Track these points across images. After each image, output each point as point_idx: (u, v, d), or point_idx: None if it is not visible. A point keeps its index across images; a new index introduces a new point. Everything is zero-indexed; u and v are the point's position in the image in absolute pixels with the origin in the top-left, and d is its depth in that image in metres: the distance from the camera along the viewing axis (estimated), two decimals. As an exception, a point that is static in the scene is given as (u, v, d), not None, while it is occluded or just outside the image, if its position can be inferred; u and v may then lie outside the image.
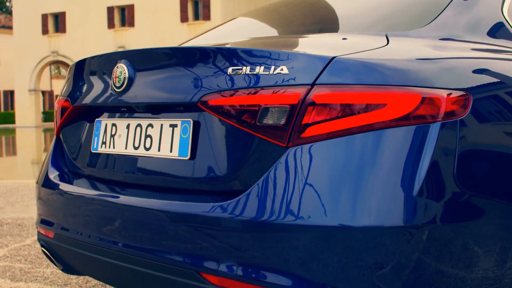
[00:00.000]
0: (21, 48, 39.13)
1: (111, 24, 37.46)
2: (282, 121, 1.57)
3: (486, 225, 1.64)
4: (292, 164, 1.55)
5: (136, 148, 1.92)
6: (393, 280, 1.50)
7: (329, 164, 1.53)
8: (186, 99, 1.73)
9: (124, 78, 1.88)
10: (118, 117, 2.02)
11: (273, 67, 1.60)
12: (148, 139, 1.88)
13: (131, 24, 36.89)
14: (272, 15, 2.73)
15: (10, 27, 47.89)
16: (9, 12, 60.51)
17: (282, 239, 1.52)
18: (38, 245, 4.13)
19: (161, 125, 1.85)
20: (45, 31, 39.25)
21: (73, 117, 2.25)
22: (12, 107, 50.09)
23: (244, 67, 1.63)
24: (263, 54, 1.63)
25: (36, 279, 3.35)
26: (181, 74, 1.76)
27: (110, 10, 37.48)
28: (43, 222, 2.26)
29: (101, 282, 3.20)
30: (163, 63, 1.83)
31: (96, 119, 2.12)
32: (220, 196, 1.68)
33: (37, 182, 2.37)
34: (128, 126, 1.97)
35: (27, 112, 38.87)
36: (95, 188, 2.07)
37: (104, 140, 2.06)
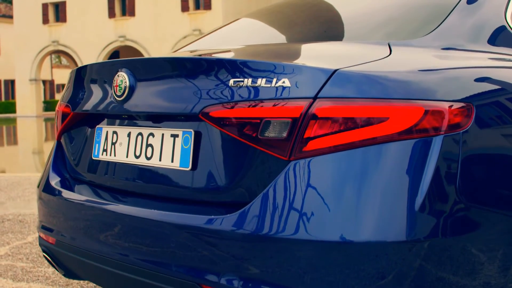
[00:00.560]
0: (22, 38, 39.05)
1: (111, 14, 37.35)
2: (284, 135, 1.57)
3: (490, 237, 1.64)
4: (294, 178, 1.55)
5: (137, 157, 1.92)
6: None
7: (332, 178, 1.53)
8: (187, 110, 1.72)
9: (125, 87, 1.87)
10: (119, 125, 2.02)
11: (275, 80, 1.59)
12: (149, 148, 1.88)
13: (132, 13, 36.79)
14: (275, 18, 2.72)
15: (11, 16, 47.76)
16: (9, 1, 60.36)
17: (283, 253, 1.52)
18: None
19: (162, 134, 1.84)
20: (45, 20, 39.15)
21: (74, 123, 2.24)
22: (13, 97, 50.06)
23: (246, 79, 1.62)
24: (265, 66, 1.62)
25: (38, 279, 3.35)
26: (182, 84, 1.75)
27: (111, -1, 37.40)
28: (44, 227, 2.26)
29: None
30: (164, 72, 1.82)
31: (97, 126, 2.11)
32: (222, 208, 1.67)
33: (38, 186, 2.37)
34: (129, 135, 1.96)
35: (28, 101, 38.85)
36: (96, 195, 2.07)
37: (105, 148, 2.05)
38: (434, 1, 2.12)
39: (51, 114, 43.00)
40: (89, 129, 2.17)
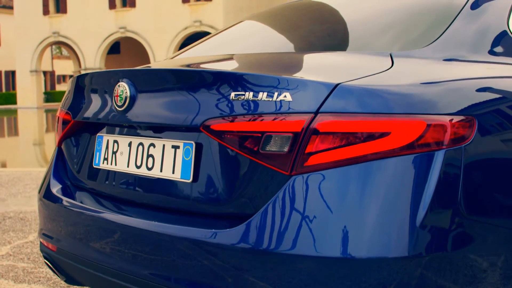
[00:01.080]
0: (22, 29, 38.96)
1: (112, 5, 37.24)
2: (285, 149, 1.56)
3: (492, 250, 1.64)
4: (295, 193, 1.54)
5: (138, 167, 1.91)
6: None
7: (333, 193, 1.52)
8: (189, 122, 1.71)
9: (126, 97, 1.86)
10: (119, 134, 2.01)
11: (276, 94, 1.58)
12: (150, 159, 1.87)
13: (132, 4, 36.68)
14: (277, 23, 2.70)
15: (11, 7, 47.63)
16: (9, -9, 60.11)
17: (285, 268, 1.52)
18: (40, 242, 4.14)
19: (163, 145, 1.84)
20: (46, 11, 39.04)
21: (74, 130, 2.23)
22: (14, 88, 50.02)
23: (247, 93, 1.62)
24: (266, 80, 1.61)
25: (39, 280, 3.36)
26: (184, 96, 1.75)
27: (111, -10, 37.26)
28: (45, 234, 2.26)
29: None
30: (165, 84, 1.82)
31: (98, 134, 2.11)
32: (222, 221, 1.67)
33: (39, 192, 2.37)
34: (130, 144, 1.96)
35: (29, 93, 38.82)
36: (96, 204, 2.07)
37: (106, 156, 2.05)
38: (436, 8, 2.10)
39: (51, 105, 42.97)
40: (90, 137, 2.16)
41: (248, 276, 1.56)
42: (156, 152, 1.86)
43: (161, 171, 1.83)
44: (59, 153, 2.36)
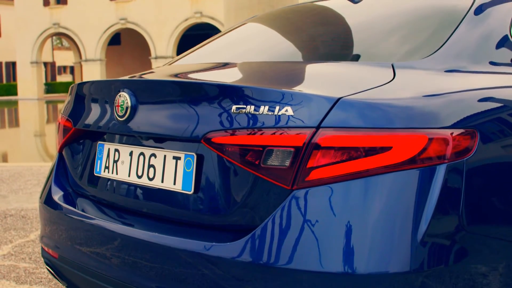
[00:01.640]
0: (22, 20, 38.85)
1: (112, -4, 37.12)
2: (287, 164, 1.56)
3: (495, 263, 1.64)
4: (296, 208, 1.54)
5: (139, 177, 1.91)
6: None
7: (335, 208, 1.52)
8: (190, 135, 1.71)
9: (127, 107, 1.86)
10: (120, 143, 2.01)
11: (277, 108, 1.58)
12: (152, 169, 1.87)
13: (133, -5, 36.56)
14: (280, 27, 2.69)
15: (11, -2, 47.46)
16: (9, -18, 59.93)
17: (284, 283, 1.52)
18: (42, 241, 4.15)
19: (164, 156, 1.84)
20: (46, 2, 38.92)
21: (75, 137, 2.23)
22: (14, 79, 49.95)
23: (248, 106, 1.61)
24: (268, 93, 1.61)
25: (41, 281, 3.37)
26: (185, 107, 1.74)
27: (112, -19, 37.13)
28: (47, 241, 2.26)
29: None
30: (167, 95, 1.81)
31: (99, 142, 2.11)
32: (223, 233, 1.67)
33: (40, 198, 2.37)
34: (131, 154, 1.96)
35: (29, 84, 38.77)
36: (98, 212, 2.07)
37: (107, 165, 2.05)
38: (438, 16, 2.10)
39: (52, 96, 42.95)
40: (91, 144, 2.16)
41: None
42: (157, 162, 1.86)
43: (162, 181, 1.83)
44: (60, 159, 2.36)
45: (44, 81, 45.68)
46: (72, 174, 2.27)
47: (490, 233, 1.64)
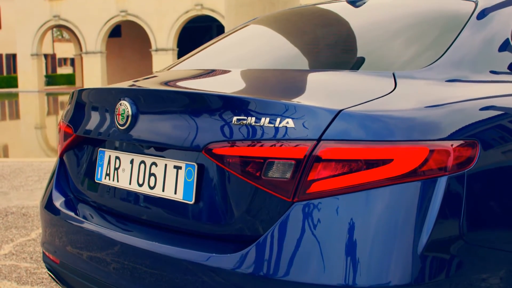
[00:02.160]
0: (23, 12, 38.73)
1: (113, -12, 37.00)
2: (288, 176, 1.56)
3: (495, 274, 1.64)
4: (297, 220, 1.54)
5: (140, 185, 1.91)
6: None
7: (336, 220, 1.52)
8: (191, 145, 1.71)
9: (127, 116, 1.86)
10: (121, 150, 2.01)
11: (278, 120, 1.58)
12: (152, 178, 1.87)
13: (133, -13, 36.44)
14: (281, 30, 2.69)
15: (11, -10, 47.29)
16: (9, -27, 59.75)
17: None
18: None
19: (165, 165, 1.84)
20: (46, -6, 38.80)
21: (76, 143, 2.23)
22: (15, 71, 49.88)
23: (249, 118, 1.61)
24: (269, 105, 1.61)
25: (42, 282, 3.38)
26: (186, 117, 1.74)
27: (112, -27, 36.99)
28: (48, 246, 2.26)
29: None
30: (167, 104, 1.81)
31: (100, 149, 2.11)
32: (224, 244, 1.68)
33: (40, 203, 2.38)
34: (132, 162, 1.96)
35: (30, 76, 38.69)
36: (98, 219, 2.07)
37: (108, 172, 2.05)
38: (439, 23, 2.09)
39: (53, 88, 42.90)
40: (92, 151, 2.16)
41: None
42: (158, 171, 1.86)
43: (163, 190, 1.84)
44: (61, 164, 2.36)
45: (44, 73, 45.62)
46: (73, 179, 2.27)
47: (491, 244, 1.65)
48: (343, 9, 2.55)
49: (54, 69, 57.09)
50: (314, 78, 1.96)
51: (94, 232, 2.00)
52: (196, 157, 1.75)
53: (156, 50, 35.01)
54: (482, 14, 2.04)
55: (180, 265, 1.69)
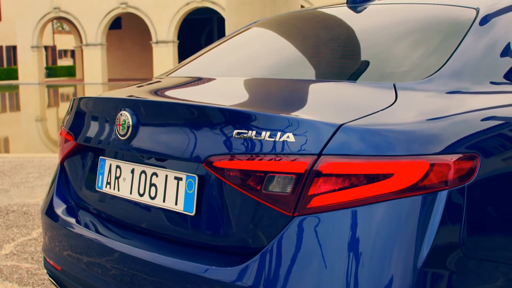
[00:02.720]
0: (23, 4, 38.61)
1: (113, -20, 36.89)
2: (288, 190, 1.56)
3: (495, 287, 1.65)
4: (297, 234, 1.55)
5: (141, 195, 1.92)
6: None
7: (336, 235, 1.53)
8: (192, 157, 1.71)
9: (128, 126, 1.86)
10: (122, 159, 2.01)
11: (279, 134, 1.58)
12: (153, 188, 1.88)
13: (134, -21, 36.31)
14: (284, 34, 2.68)
15: (11, -19, 47.13)
16: (9, -35, 59.56)
17: None
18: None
19: (166, 176, 1.84)
20: (46, -14, 38.68)
21: (77, 150, 2.23)
22: (15, 63, 49.82)
23: (250, 131, 1.61)
24: (269, 119, 1.61)
25: (43, 283, 3.39)
26: (186, 129, 1.74)
27: (113, -36, 36.86)
28: (49, 253, 2.27)
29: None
30: (168, 116, 1.81)
31: (100, 157, 2.11)
32: (224, 256, 1.68)
33: (41, 209, 2.38)
34: (132, 171, 1.96)
35: (30, 69, 38.62)
36: (99, 228, 2.08)
37: (108, 181, 2.05)
38: (440, 31, 2.09)
39: (53, 80, 42.85)
40: (93, 158, 2.16)
41: None
42: (158, 182, 1.86)
43: (164, 201, 1.84)
44: (61, 170, 2.37)
45: (45, 65, 45.55)
46: (74, 186, 2.28)
47: (492, 257, 1.65)
48: (342, 15, 2.53)
49: (54, 61, 57.03)
50: (315, 89, 1.95)
51: (95, 241, 2.00)
52: (197, 169, 1.75)
53: (157, 42, 34.95)
54: (485, 21, 2.03)
55: (179, 276, 1.70)
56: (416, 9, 2.34)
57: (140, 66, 41.01)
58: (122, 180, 2.00)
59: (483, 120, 1.73)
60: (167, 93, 2.20)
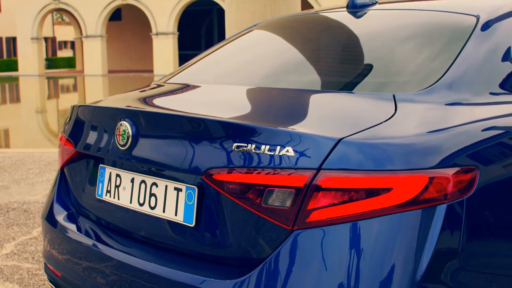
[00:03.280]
0: (22, -5, 38.53)
1: (113, -29, 36.75)
2: (288, 204, 1.57)
3: None
4: (296, 248, 1.55)
5: (141, 205, 1.92)
6: None
7: (335, 249, 1.53)
8: (191, 169, 1.72)
9: (128, 137, 1.87)
10: (122, 168, 2.01)
11: (278, 148, 1.58)
12: (153, 198, 1.88)
13: (134, -30, 36.18)
14: (285, 37, 2.67)
15: (11, -28, 46.97)
16: (9, -45, 59.30)
17: None
18: (44, 239, 4.18)
19: (166, 186, 1.84)
20: (46, -23, 38.55)
21: (77, 157, 2.24)
22: (15, 54, 49.73)
23: (250, 145, 1.61)
24: (269, 133, 1.61)
25: (44, 284, 3.40)
26: (187, 141, 1.75)
27: (113, -45, 36.70)
28: (49, 259, 2.28)
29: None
30: (168, 128, 1.82)
31: (101, 165, 2.11)
32: (223, 268, 1.69)
33: (42, 213, 2.39)
34: (132, 180, 1.96)
35: (30, 60, 38.55)
36: (99, 236, 2.08)
37: (108, 189, 2.06)
38: (439, 40, 2.08)
39: (53, 72, 42.78)
40: (93, 165, 2.17)
41: None
42: (158, 192, 1.87)
43: (163, 211, 1.84)
44: (61, 176, 2.37)
45: (44, 56, 45.45)
46: (74, 193, 2.28)
47: (490, 271, 1.66)
48: (341, 20, 2.53)
49: (54, 52, 56.94)
50: (314, 101, 1.94)
51: (94, 248, 2.01)
52: (197, 180, 1.75)
53: (157, 34, 34.87)
54: (485, 28, 2.02)
55: (177, 286, 1.71)
56: (416, 15, 2.33)
57: (140, 57, 40.94)
58: (122, 189, 2.00)
59: (481, 132, 1.73)
60: (167, 102, 2.20)
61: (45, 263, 2.37)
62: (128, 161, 1.91)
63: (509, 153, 1.75)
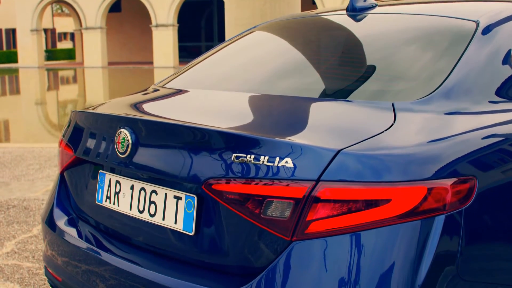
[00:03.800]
0: (22, -14, 38.40)
1: (112, -38, 36.62)
2: (287, 215, 1.57)
3: None
4: (295, 259, 1.56)
5: (140, 212, 1.93)
6: None
7: (333, 260, 1.54)
8: (190, 178, 1.72)
9: (127, 145, 1.87)
10: (121, 175, 2.02)
11: (278, 159, 1.58)
12: (153, 206, 1.89)
13: (133, -38, 36.07)
14: (285, 39, 2.67)
15: (10, -37, 46.79)
16: None
17: None
18: (45, 238, 4.18)
19: (165, 194, 1.85)
20: (45, -32, 38.43)
21: (77, 162, 2.24)
22: (15, 46, 49.64)
23: (249, 156, 1.62)
24: (268, 144, 1.61)
25: (45, 284, 3.41)
26: (186, 151, 1.75)
27: None
28: (49, 263, 2.29)
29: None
30: (167, 136, 1.82)
31: (100, 171, 2.11)
32: (222, 277, 1.70)
33: (42, 217, 2.40)
34: (132, 187, 1.97)
35: (30, 52, 38.47)
36: (98, 241, 2.09)
37: (108, 195, 2.06)
38: (438, 47, 2.08)
39: (53, 63, 42.74)
40: (93, 171, 2.17)
41: None
42: (158, 199, 1.87)
43: (163, 219, 1.85)
44: (61, 181, 2.38)
45: (44, 48, 45.37)
46: (74, 198, 2.29)
47: (488, 281, 1.67)
48: (340, 24, 2.52)
49: (54, 44, 56.83)
50: (313, 110, 1.94)
51: (94, 254, 2.02)
52: (196, 189, 1.76)
53: (157, 25, 34.79)
54: (485, 33, 2.02)
55: None
56: (415, 20, 2.33)
57: (140, 49, 40.87)
58: (122, 196, 2.01)
59: (479, 141, 1.73)
60: (167, 109, 2.20)
61: (45, 267, 2.38)
62: (128, 168, 1.92)
63: (507, 160, 1.75)
